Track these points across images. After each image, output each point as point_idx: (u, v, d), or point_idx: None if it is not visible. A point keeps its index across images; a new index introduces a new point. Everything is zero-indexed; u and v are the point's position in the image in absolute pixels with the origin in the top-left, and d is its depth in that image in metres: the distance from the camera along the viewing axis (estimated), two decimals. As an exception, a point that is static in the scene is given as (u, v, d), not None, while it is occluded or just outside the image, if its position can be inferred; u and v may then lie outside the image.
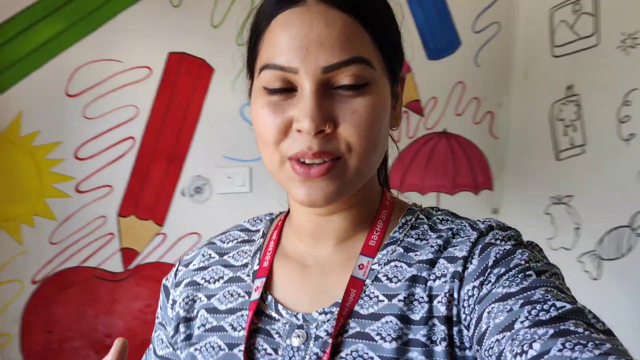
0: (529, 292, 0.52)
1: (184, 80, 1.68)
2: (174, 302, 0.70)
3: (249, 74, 0.64)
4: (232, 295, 0.67)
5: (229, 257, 0.71)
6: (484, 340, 0.51)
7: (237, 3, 1.69)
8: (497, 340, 0.49)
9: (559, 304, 0.49)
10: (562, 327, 0.46)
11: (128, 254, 1.72)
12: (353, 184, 0.60)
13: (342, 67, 0.55)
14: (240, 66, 1.69)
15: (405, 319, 0.58)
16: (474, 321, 0.55)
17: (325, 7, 0.56)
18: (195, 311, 0.68)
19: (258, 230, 0.73)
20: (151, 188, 1.71)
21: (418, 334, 0.57)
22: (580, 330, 0.46)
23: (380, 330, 0.58)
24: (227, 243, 0.73)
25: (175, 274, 0.73)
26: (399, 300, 0.59)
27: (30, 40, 1.53)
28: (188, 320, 0.68)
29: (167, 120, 1.69)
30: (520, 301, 0.51)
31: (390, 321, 0.58)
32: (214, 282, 0.69)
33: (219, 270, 0.70)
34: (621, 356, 0.42)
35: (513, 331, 0.48)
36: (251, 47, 0.62)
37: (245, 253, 0.71)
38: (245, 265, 0.69)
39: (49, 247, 1.65)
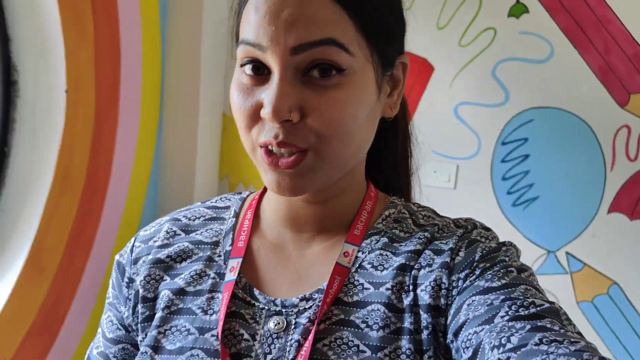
0: (510, 289, 0.53)
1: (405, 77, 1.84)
2: (131, 280, 0.65)
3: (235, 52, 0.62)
4: (200, 276, 0.63)
5: (196, 234, 0.66)
6: (462, 331, 0.52)
7: (465, 6, 1.75)
8: (476, 332, 0.51)
9: (538, 301, 0.51)
10: (539, 324, 0.48)
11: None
12: (325, 177, 0.58)
13: (312, 49, 0.53)
14: (461, 66, 1.76)
15: (393, 308, 0.57)
16: (452, 311, 0.55)
17: None
18: (158, 291, 0.63)
19: (228, 208, 0.69)
20: (365, 170, 1.93)
21: (406, 322, 0.57)
22: (556, 328, 0.48)
23: (367, 318, 0.57)
24: (194, 220, 0.68)
25: (132, 250, 0.67)
26: (387, 289, 0.58)
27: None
28: (148, 301, 0.63)
29: (385, 111, 1.88)
30: (502, 296, 0.52)
31: (378, 309, 0.57)
32: (181, 262, 0.64)
33: (186, 249, 0.65)
34: (594, 354, 0.45)
35: (492, 324, 0.50)
36: (234, 24, 0.60)
37: (215, 232, 0.66)
38: (216, 244, 0.65)
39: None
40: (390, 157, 0.72)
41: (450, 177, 1.84)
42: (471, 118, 1.80)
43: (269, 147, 0.56)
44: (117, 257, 0.69)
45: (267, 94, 0.54)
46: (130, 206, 1.62)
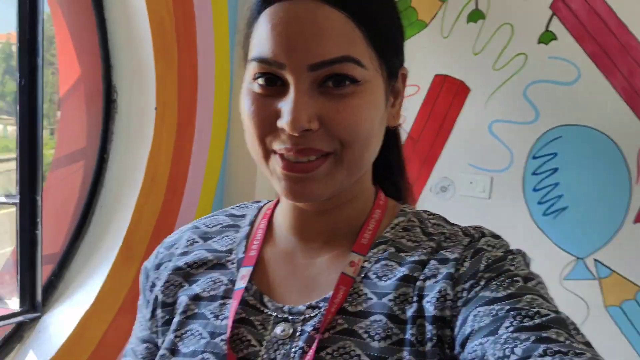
0: (515, 299, 0.52)
1: (444, 97, 2.04)
2: (153, 284, 0.68)
3: (244, 64, 0.62)
4: (215, 282, 0.65)
5: (213, 242, 0.69)
6: (468, 343, 0.52)
7: (498, 34, 1.95)
8: (481, 343, 0.50)
9: (543, 311, 0.51)
10: (544, 335, 0.48)
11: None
12: (339, 183, 0.59)
13: (329, 66, 0.54)
14: (494, 88, 1.96)
15: (395, 319, 0.57)
16: (458, 323, 0.55)
17: (316, 3, 0.55)
18: (177, 297, 0.66)
19: (244, 216, 0.71)
20: (407, 181, 2.14)
21: (408, 333, 0.56)
22: (562, 339, 0.48)
23: (369, 328, 0.58)
24: (212, 227, 0.71)
25: (156, 256, 0.70)
26: (390, 300, 0.58)
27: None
28: (168, 306, 0.66)
29: (426, 128, 2.08)
30: (507, 307, 0.52)
31: (380, 320, 0.57)
32: (197, 268, 0.67)
33: (203, 256, 0.67)
34: None
35: (497, 336, 0.50)
36: (244, 39, 0.61)
37: (231, 240, 0.68)
38: (230, 251, 0.67)
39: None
40: (397, 164, 0.73)
41: (485, 188, 2.02)
42: (504, 134, 1.98)
43: (285, 155, 0.56)
44: (145, 263, 0.72)
45: (285, 105, 0.55)
46: (202, 205, 1.89)
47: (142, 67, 1.63)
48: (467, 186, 2.05)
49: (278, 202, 0.70)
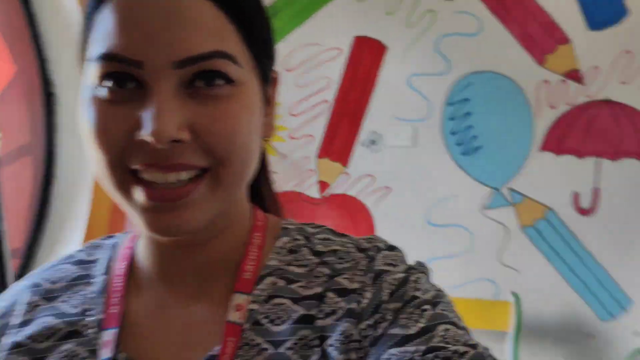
0: (428, 334, 0.48)
1: (365, 57, 2.21)
2: None
3: (81, 68, 0.50)
4: (70, 357, 0.51)
5: (60, 302, 0.55)
6: None
7: (407, -6, 2.13)
8: None
9: (461, 349, 0.46)
10: None
11: (323, 185, 2.36)
12: (217, 207, 0.50)
13: (200, 62, 0.46)
14: (408, 43, 2.14)
15: None
16: None
17: None
18: None
19: (95, 262, 0.58)
20: (340, 138, 2.31)
21: None
22: None
23: None
24: (57, 283, 0.56)
25: None
26: (288, 349, 0.50)
27: (264, 32, 2.26)
28: None
29: (351, 88, 2.25)
30: (422, 347, 0.47)
31: None
32: (44, 341, 0.52)
33: (49, 324, 0.53)
34: None
35: None
36: (82, 36, 0.50)
37: (83, 296, 0.55)
38: (85, 312, 0.54)
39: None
40: (268, 177, 0.65)
41: (410, 137, 2.23)
42: (422, 86, 2.18)
43: (145, 176, 0.46)
44: None
45: (146, 112, 0.45)
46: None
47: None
48: (394, 137, 2.25)
49: (138, 236, 0.58)
